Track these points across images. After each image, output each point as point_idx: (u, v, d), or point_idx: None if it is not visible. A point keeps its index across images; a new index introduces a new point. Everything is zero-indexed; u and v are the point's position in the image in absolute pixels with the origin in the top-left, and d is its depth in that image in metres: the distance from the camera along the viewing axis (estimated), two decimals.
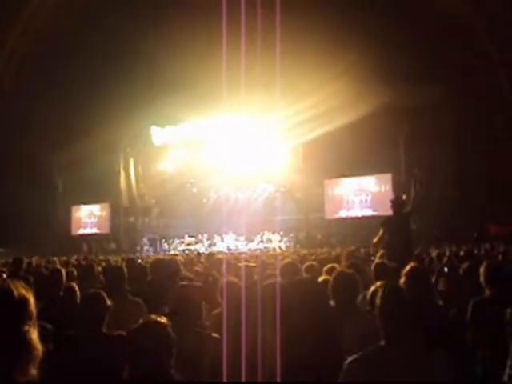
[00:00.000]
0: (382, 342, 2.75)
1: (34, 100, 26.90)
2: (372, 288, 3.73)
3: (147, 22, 25.17)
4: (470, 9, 21.94)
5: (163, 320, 2.52)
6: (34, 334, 1.40)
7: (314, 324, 3.10)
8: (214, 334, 3.45)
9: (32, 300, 1.44)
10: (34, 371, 1.37)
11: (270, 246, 25.80)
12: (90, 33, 25.92)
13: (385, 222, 7.76)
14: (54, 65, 26.96)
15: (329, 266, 5.19)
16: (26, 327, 1.39)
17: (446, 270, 7.17)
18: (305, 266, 5.75)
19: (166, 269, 5.68)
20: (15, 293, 1.41)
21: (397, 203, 7.76)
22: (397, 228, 7.43)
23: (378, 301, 2.81)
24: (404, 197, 8.03)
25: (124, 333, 3.17)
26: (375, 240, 7.64)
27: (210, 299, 4.73)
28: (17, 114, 27.64)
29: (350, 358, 2.74)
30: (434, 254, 9.54)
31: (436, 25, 22.45)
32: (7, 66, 26.98)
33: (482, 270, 4.34)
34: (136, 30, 24.89)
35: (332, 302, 4.03)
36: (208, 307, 4.29)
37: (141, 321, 2.57)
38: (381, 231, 7.54)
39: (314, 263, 6.13)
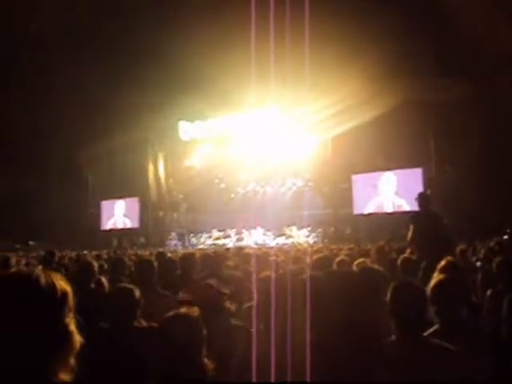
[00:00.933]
0: (393, 337, 2.81)
1: (64, 96, 27.29)
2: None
3: (175, 17, 25.25)
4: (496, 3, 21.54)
5: (193, 311, 2.55)
6: (73, 326, 1.44)
7: (354, 317, 3.08)
8: (245, 326, 3.44)
9: (71, 292, 1.47)
10: (72, 362, 1.41)
11: (298, 240, 25.74)
12: (118, 30, 26.13)
13: (412, 218, 7.57)
14: (82, 62, 27.27)
15: (359, 260, 5.16)
16: (68, 319, 1.43)
17: (478, 264, 7.04)
18: (336, 260, 5.73)
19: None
20: (57, 286, 1.44)
21: (422, 199, 7.53)
22: (423, 225, 7.23)
23: (388, 297, 2.85)
24: (428, 192, 7.79)
25: (155, 324, 3.19)
26: (409, 238, 7.43)
27: (239, 294, 4.72)
28: (47, 110, 28.05)
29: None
30: (460, 248, 9.34)
31: (461, 19, 22.10)
32: (36, 61, 27.40)
33: None
34: (164, 26, 25.02)
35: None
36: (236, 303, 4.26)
37: (169, 314, 2.59)
38: (411, 227, 7.35)
39: (346, 258, 6.10)
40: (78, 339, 1.42)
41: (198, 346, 2.46)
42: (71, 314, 1.44)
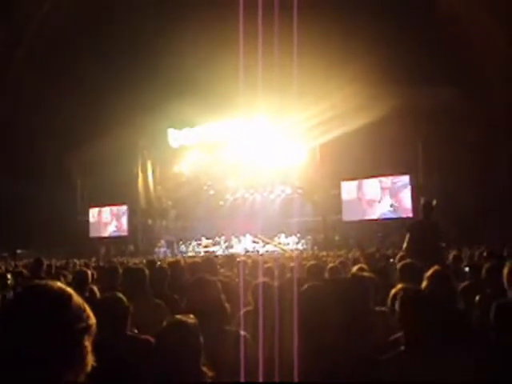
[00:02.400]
0: (402, 347, 2.73)
1: (54, 102, 27.18)
2: (393, 291, 3.72)
3: (164, 25, 25.29)
4: (486, 10, 21.74)
5: (190, 319, 2.55)
6: (90, 348, 1.45)
7: (352, 326, 3.09)
8: (242, 332, 3.44)
9: (95, 320, 1.49)
10: (81, 380, 1.43)
11: (288, 247, 25.73)
12: (107, 38, 26.14)
13: (409, 226, 7.56)
14: (76, 68, 27.25)
15: (357, 267, 5.20)
16: (87, 343, 1.44)
17: (466, 269, 7.08)
18: (328, 267, 5.77)
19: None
20: (86, 309, 1.47)
21: (427, 209, 7.51)
22: (420, 234, 7.22)
23: (397, 306, 2.80)
24: (434, 202, 7.73)
25: (149, 337, 3.19)
26: (404, 246, 7.40)
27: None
28: (39, 116, 27.92)
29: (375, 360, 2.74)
30: (452, 254, 9.41)
31: (452, 27, 22.27)
32: (27, 68, 27.27)
33: (505, 271, 4.29)
34: (153, 33, 25.05)
35: None
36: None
37: (165, 322, 2.60)
38: (407, 236, 7.33)
39: (338, 265, 6.13)
40: (91, 361, 1.43)
41: (196, 354, 2.45)
42: (91, 339, 1.45)
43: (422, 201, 7.66)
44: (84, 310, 1.45)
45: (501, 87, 21.88)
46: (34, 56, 27.18)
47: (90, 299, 4.78)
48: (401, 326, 2.78)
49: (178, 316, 2.59)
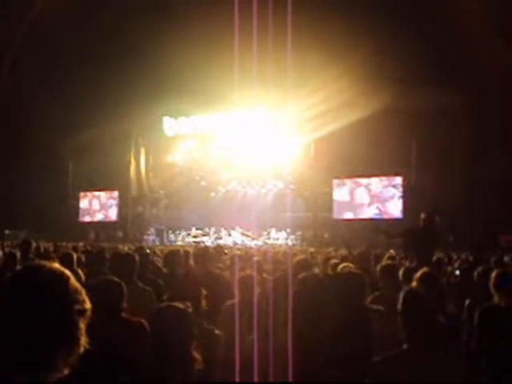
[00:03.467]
0: (405, 346, 2.79)
1: (48, 87, 27.04)
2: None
3: (161, 15, 25.21)
4: (484, 13, 21.78)
5: (185, 305, 2.61)
6: (84, 330, 1.47)
7: (350, 322, 3.09)
8: (217, 331, 3.43)
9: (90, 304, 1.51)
10: (74, 360, 1.45)
11: (277, 242, 25.75)
12: (105, 25, 26.01)
13: (406, 231, 7.60)
14: (72, 57, 27.14)
15: (344, 264, 5.22)
16: (82, 325, 1.46)
17: (457, 272, 7.11)
18: (331, 262, 5.83)
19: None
20: (83, 291, 1.49)
21: (427, 220, 7.53)
22: (416, 238, 7.27)
23: (399, 306, 2.85)
24: (437, 219, 7.71)
25: (142, 320, 3.24)
26: (403, 251, 7.47)
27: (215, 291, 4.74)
28: (31, 99, 27.77)
29: (374, 359, 2.77)
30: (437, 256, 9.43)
31: (450, 30, 22.28)
32: (22, 52, 27.15)
33: (492, 276, 4.34)
34: (150, 23, 24.93)
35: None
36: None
37: (162, 305, 2.69)
38: (402, 241, 7.38)
39: (338, 261, 6.21)
40: (84, 341, 1.46)
41: (189, 339, 2.51)
42: (85, 322, 1.47)
43: (423, 215, 7.62)
44: (80, 293, 1.47)
45: (496, 91, 21.94)
46: (26, 55, 27.08)
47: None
48: (403, 325, 2.81)
49: (175, 302, 2.65)
